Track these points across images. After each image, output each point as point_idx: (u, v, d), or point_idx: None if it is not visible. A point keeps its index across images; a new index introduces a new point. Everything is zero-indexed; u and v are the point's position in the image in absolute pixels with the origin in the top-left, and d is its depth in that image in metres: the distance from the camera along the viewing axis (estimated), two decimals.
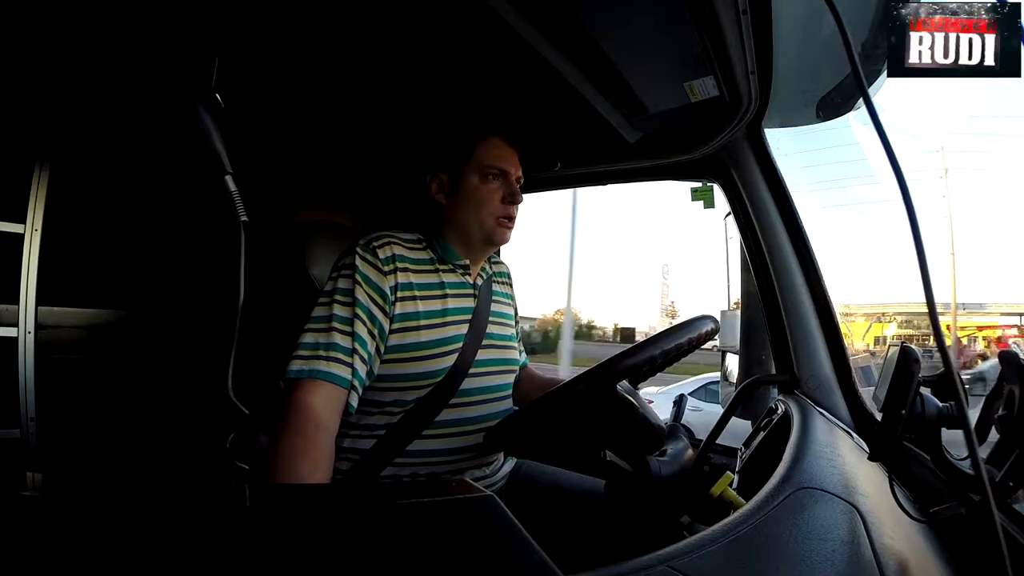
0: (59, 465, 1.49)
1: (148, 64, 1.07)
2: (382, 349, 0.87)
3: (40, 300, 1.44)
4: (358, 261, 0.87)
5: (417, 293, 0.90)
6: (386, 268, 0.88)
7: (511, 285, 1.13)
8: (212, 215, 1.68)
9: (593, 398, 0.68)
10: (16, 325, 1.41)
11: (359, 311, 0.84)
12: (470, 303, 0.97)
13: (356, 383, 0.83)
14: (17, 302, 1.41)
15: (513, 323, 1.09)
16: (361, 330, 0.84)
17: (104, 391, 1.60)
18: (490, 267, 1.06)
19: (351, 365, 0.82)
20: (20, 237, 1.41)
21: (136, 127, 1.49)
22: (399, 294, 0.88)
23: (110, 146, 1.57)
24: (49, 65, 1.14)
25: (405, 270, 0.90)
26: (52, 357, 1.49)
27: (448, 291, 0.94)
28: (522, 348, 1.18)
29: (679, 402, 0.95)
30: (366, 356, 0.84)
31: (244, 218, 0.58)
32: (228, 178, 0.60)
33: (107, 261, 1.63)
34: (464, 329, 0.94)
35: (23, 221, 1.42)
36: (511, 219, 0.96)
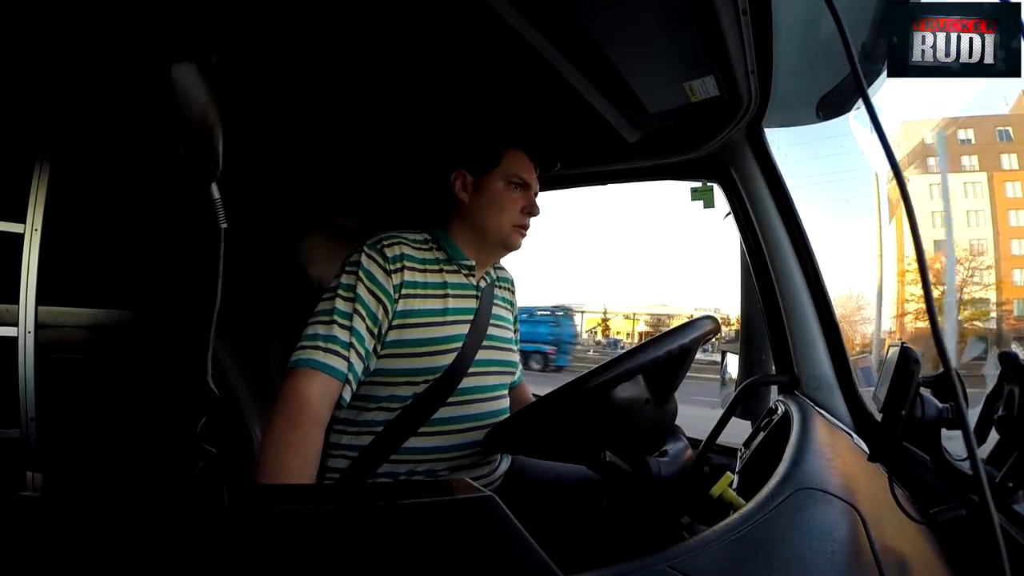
0: (59, 465, 1.49)
1: (148, 64, 1.07)
2: (378, 348, 0.89)
3: (40, 300, 1.44)
4: (364, 259, 0.90)
5: (421, 291, 0.93)
6: (392, 267, 0.90)
7: (513, 292, 1.14)
8: (212, 215, 1.67)
9: (595, 400, 0.68)
10: (16, 325, 1.41)
11: (359, 307, 0.87)
12: (472, 304, 0.99)
13: (351, 377, 0.85)
14: (17, 302, 1.41)
15: (512, 327, 1.10)
16: (359, 325, 0.87)
17: (104, 391, 1.60)
18: (494, 272, 1.08)
19: (347, 359, 0.85)
20: (20, 237, 1.41)
21: (137, 126, 1.49)
22: (403, 291, 0.91)
23: (110, 145, 1.57)
24: (49, 64, 1.14)
25: (412, 269, 0.93)
26: (52, 357, 1.49)
27: (450, 291, 0.96)
28: (518, 364, 1.14)
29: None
30: (362, 352, 0.87)
31: (224, 225, 0.60)
32: (213, 185, 0.61)
33: (107, 261, 1.63)
34: (465, 329, 0.95)
35: (23, 221, 1.41)
36: (526, 228, 1.01)
